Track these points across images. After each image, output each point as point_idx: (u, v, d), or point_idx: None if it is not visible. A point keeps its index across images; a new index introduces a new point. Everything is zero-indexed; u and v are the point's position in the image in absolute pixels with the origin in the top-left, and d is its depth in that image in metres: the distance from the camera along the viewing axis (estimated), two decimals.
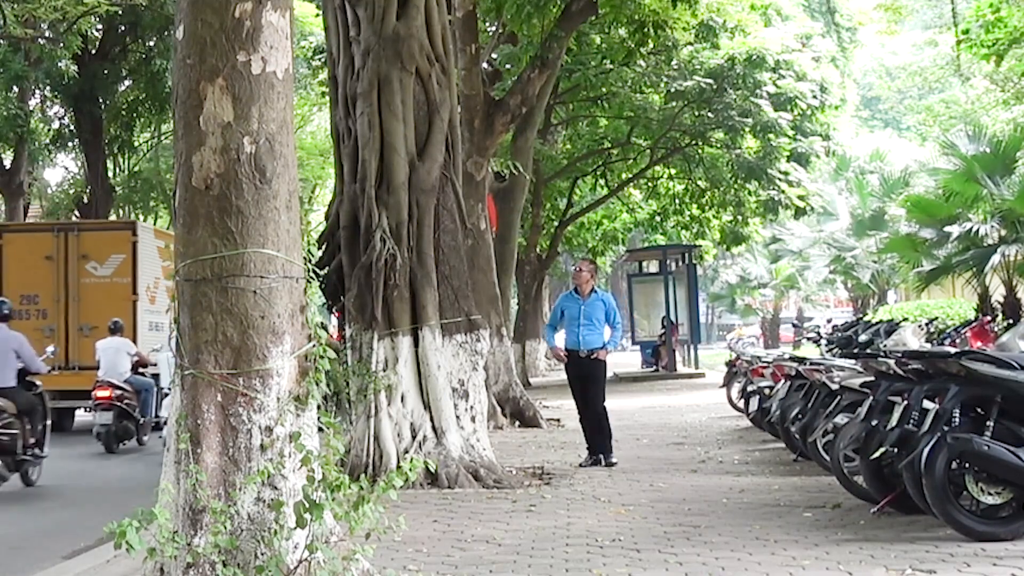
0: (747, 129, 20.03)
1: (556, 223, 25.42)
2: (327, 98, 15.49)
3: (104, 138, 25.96)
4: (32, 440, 10.31)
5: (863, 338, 15.15)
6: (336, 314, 11.53)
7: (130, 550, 4.27)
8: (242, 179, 4.94)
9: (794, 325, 38.40)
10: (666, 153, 22.73)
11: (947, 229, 17.08)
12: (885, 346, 12.13)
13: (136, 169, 30.96)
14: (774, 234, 36.19)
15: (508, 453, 10.97)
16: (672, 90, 19.76)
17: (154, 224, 28.24)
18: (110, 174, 27.61)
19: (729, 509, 7.37)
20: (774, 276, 42.03)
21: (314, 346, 5.05)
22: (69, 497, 10.17)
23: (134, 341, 15.06)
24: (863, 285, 33.20)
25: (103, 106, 25.56)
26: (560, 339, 10.53)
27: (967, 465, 5.89)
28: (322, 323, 5.26)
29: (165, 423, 7.76)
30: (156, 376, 14.37)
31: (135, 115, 26.90)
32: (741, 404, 13.24)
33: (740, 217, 23.96)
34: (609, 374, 12.06)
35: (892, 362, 6.73)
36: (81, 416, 16.58)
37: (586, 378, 10.20)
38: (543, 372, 27.91)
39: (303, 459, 4.74)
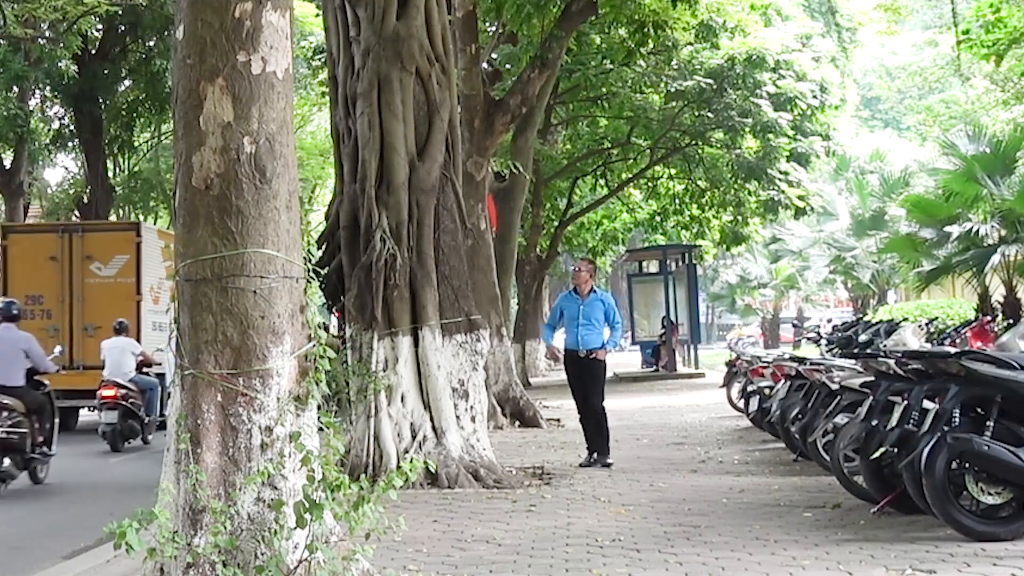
0: (747, 129, 20.03)
1: (556, 223, 25.42)
2: (327, 98, 15.50)
3: (104, 138, 25.97)
4: (40, 439, 10.46)
5: (863, 338, 15.14)
6: (336, 314, 11.53)
7: (130, 551, 4.27)
8: (242, 179, 4.94)
9: (794, 325, 38.46)
10: (666, 153, 22.73)
11: (947, 229, 17.08)
12: (885, 346, 12.11)
13: (136, 169, 30.96)
14: (774, 234, 36.18)
15: (508, 453, 10.97)
16: (672, 90, 19.76)
17: (154, 224, 28.26)
18: (110, 174, 27.61)
19: (729, 509, 7.37)
20: (774, 276, 42.02)
21: (314, 346, 5.05)
22: (74, 495, 10.21)
23: (138, 341, 15.16)
24: (863, 285, 33.20)
25: (103, 106, 25.57)
26: (560, 339, 10.53)
27: (967, 465, 5.89)
28: (323, 323, 5.26)
29: None
30: (161, 376, 14.45)
31: (135, 115, 26.91)
32: (741, 404, 13.24)
33: (740, 217, 23.96)
34: (609, 374, 12.06)
35: (892, 362, 6.74)
36: (85, 415, 16.68)
37: (585, 378, 10.19)
38: (543, 372, 27.91)
39: (303, 459, 4.74)
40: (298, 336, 5.03)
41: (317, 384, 5.01)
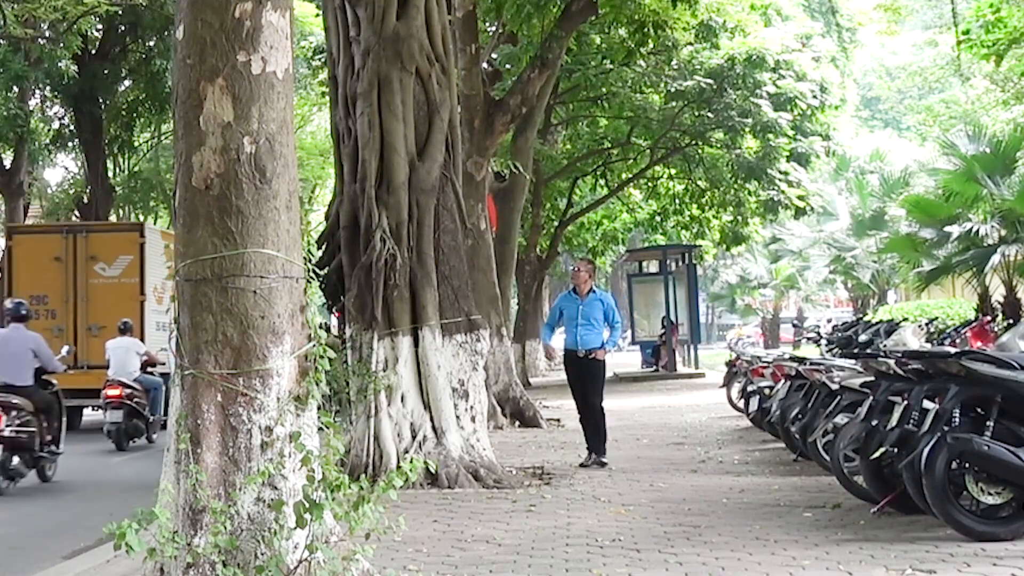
0: (747, 129, 20.03)
1: (556, 223, 25.42)
2: (327, 98, 15.50)
3: (104, 138, 25.97)
4: (49, 437, 10.61)
5: (863, 338, 15.14)
6: (336, 314, 11.53)
7: (130, 551, 4.28)
8: (242, 179, 4.94)
9: (794, 325, 38.44)
10: (666, 153, 22.72)
11: (947, 229, 17.08)
12: (885, 346, 12.12)
13: (136, 169, 30.96)
14: (774, 234, 36.17)
15: (508, 453, 10.97)
16: (672, 90, 19.76)
17: (154, 224, 28.27)
18: (110, 174, 27.61)
19: (729, 509, 7.37)
20: (774, 276, 42.01)
21: (314, 346, 5.05)
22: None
23: (142, 341, 15.28)
24: (863, 285, 33.19)
25: (103, 106, 25.56)
26: (559, 339, 10.53)
27: (967, 465, 5.89)
28: (325, 323, 5.27)
29: None
30: (165, 375, 14.54)
31: (135, 115, 26.91)
32: (741, 404, 13.24)
33: (740, 217, 23.95)
34: (609, 374, 12.06)
35: (892, 362, 6.74)
36: (89, 414, 16.77)
37: (585, 378, 10.19)
38: (543, 372, 27.90)
39: (303, 459, 4.74)
40: (298, 336, 5.03)
41: (317, 384, 5.01)
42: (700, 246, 26.90)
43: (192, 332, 4.93)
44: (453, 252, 9.67)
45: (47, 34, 22.46)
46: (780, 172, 20.88)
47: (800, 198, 21.58)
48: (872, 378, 7.13)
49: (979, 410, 6.12)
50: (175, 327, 5.13)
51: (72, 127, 26.58)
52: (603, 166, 24.70)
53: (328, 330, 11.39)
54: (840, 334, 17.65)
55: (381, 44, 9.40)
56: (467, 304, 9.70)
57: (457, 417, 9.26)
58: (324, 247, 9.97)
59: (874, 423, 6.52)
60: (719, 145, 21.59)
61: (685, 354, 26.91)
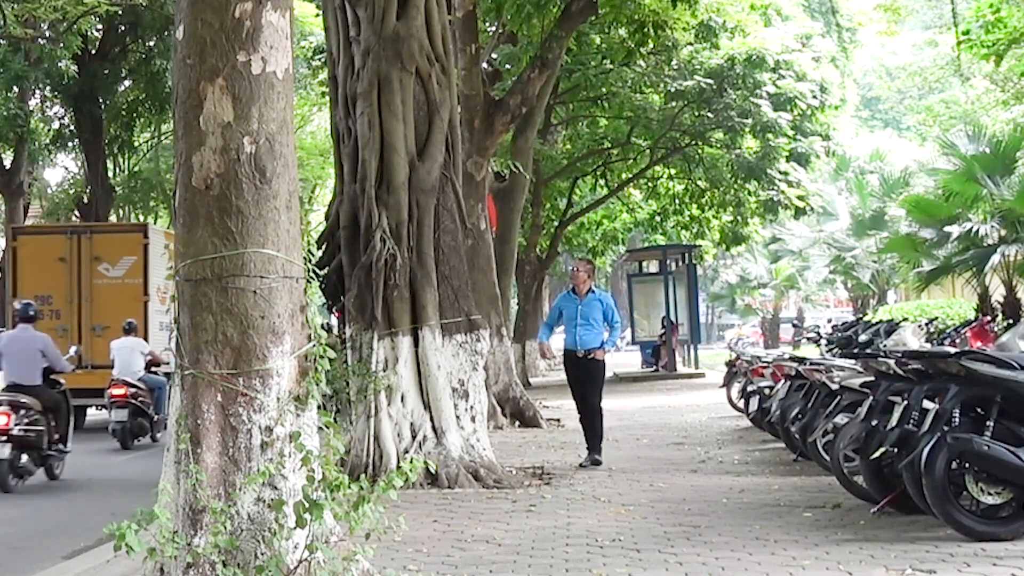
0: (747, 129, 20.02)
1: (556, 223, 25.41)
2: (327, 98, 15.50)
3: (104, 138, 25.98)
4: (56, 436, 10.78)
5: (863, 338, 15.15)
6: (336, 314, 11.54)
7: (130, 552, 4.28)
8: (242, 179, 4.94)
9: (794, 325, 38.44)
10: (666, 153, 22.72)
11: (947, 229, 17.08)
12: (885, 346, 12.12)
13: (136, 169, 30.98)
14: (774, 234, 36.17)
15: (508, 453, 10.97)
16: (672, 90, 19.74)
17: (154, 224, 28.28)
18: (110, 174, 27.62)
19: (729, 509, 7.37)
20: (774, 276, 42.02)
21: (314, 346, 5.05)
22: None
23: (146, 341, 15.38)
24: (863, 285, 33.20)
25: (103, 106, 25.57)
26: (559, 339, 10.53)
27: (967, 465, 5.89)
28: (327, 324, 5.27)
29: None
30: (169, 375, 14.56)
31: (135, 115, 26.93)
32: (741, 404, 13.24)
33: (740, 217, 23.95)
34: (609, 374, 12.05)
35: (892, 362, 6.74)
36: (93, 414, 16.84)
37: (584, 378, 10.19)
38: (543, 372, 27.90)
39: (303, 459, 4.74)
40: (298, 336, 5.03)
41: (317, 384, 5.01)
42: (700, 246, 26.89)
43: (192, 332, 4.94)
44: (453, 252, 9.67)
45: (47, 34, 22.47)
46: (780, 172, 20.87)
47: (800, 198, 21.57)
48: (872, 378, 7.13)
49: (979, 410, 6.12)
50: (175, 327, 5.13)
51: (72, 127, 26.59)
52: (603, 166, 24.69)
53: (330, 330, 11.43)
54: (840, 334, 17.66)
55: (381, 44, 9.40)
56: (467, 304, 9.70)
57: (457, 417, 9.26)
58: (324, 247, 9.97)
59: (874, 423, 6.52)
60: (719, 145, 21.59)
61: (685, 354, 26.91)
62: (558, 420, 14.50)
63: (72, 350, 12.65)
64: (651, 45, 17.16)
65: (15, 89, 23.32)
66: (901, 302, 31.17)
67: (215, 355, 4.87)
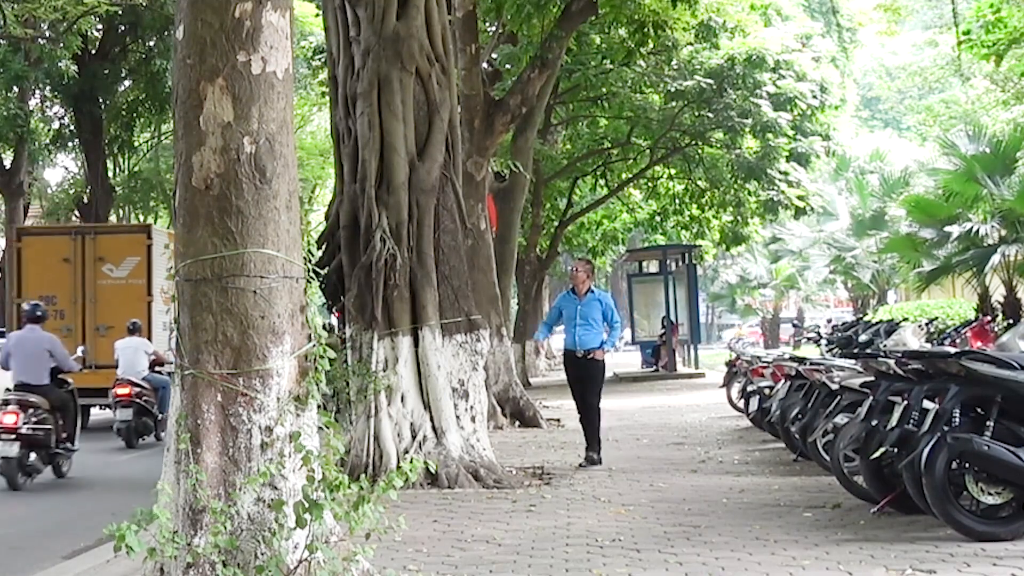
0: (747, 129, 20.02)
1: (556, 223, 25.41)
2: (327, 98, 15.50)
3: (104, 138, 25.99)
4: (64, 435, 10.94)
5: (863, 338, 15.15)
6: (336, 314, 11.54)
7: (130, 552, 4.28)
8: (242, 179, 4.94)
9: (794, 325, 38.42)
10: (666, 153, 22.72)
11: (947, 229, 17.08)
12: (885, 346, 12.12)
13: (136, 169, 30.99)
14: (774, 234, 36.17)
15: (508, 453, 10.97)
16: (672, 90, 19.74)
17: (154, 224, 28.29)
18: (110, 174, 27.62)
19: (729, 509, 7.37)
20: (774, 276, 42.02)
21: (314, 346, 5.05)
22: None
23: (149, 340, 15.47)
24: (863, 285, 33.19)
25: (103, 106, 25.58)
26: (559, 339, 10.53)
27: (967, 465, 5.89)
28: (328, 324, 5.28)
29: None
30: (172, 374, 14.60)
31: (135, 115, 26.93)
32: (741, 404, 13.24)
33: (740, 217, 23.94)
34: (609, 374, 12.05)
35: (892, 362, 6.74)
36: (96, 413, 16.90)
37: (584, 378, 10.20)
38: (543, 372, 27.90)
39: (303, 459, 4.74)
40: (298, 336, 5.03)
41: (317, 384, 5.01)
42: (700, 246, 26.89)
43: (192, 332, 4.94)
44: (453, 252, 9.67)
45: (47, 34, 22.48)
46: (780, 172, 20.87)
47: (800, 198, 21.57)
48: (872, 378, 7.13)
49: (979, 410, 6.12)
50: (175, 327, 5.13)
51: (72, 127, 26.60)
52: (603, 166, 24.69)
53: (332, 330, 11.43)
54: (840, 334, 17.65)
55: (381, 44, 9.40)
56: (467, 304, 9.70)
57: (457, 417, 9.26)
58: (324, 247, 9.97)
59: (874, 423, 6.52)
60: (719, 145, 21.59)
61: (685, 354, 26.92)
62: (558, 420, 14.50)
63: (79, 350, 12.83)
64: (651, 45, 17.15)
65: (15, 89, 23.33)
66: (901, 302, 31.17)
67: (215, 355, 4.87)
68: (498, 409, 14.05)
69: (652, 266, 29.61)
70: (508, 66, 18.72)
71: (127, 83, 26.82)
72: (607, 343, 10.20)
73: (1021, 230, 16.16)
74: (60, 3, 19.41)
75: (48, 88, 25.42)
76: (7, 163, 25.16)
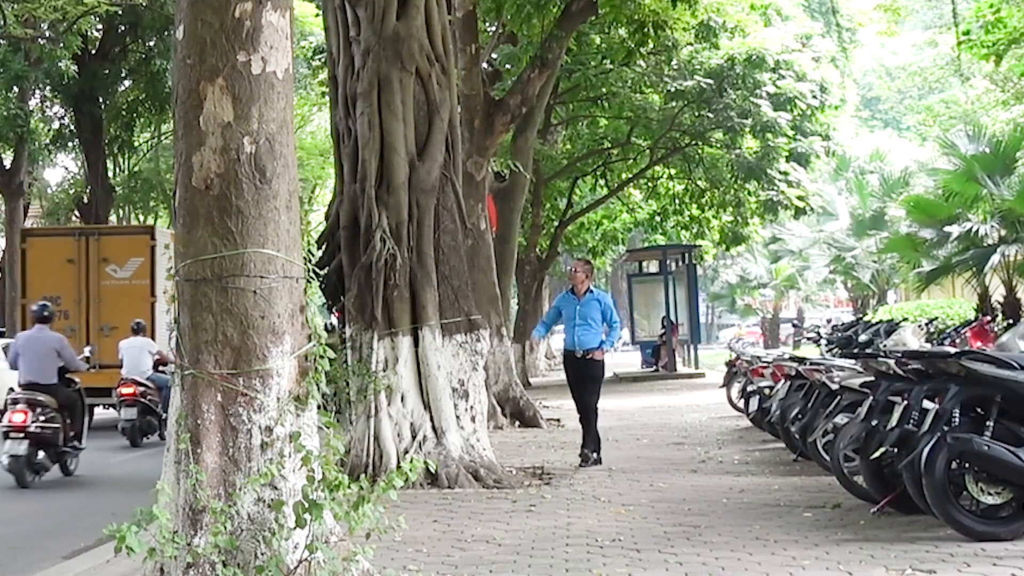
0: (747, 129, 20.02)
1: (556, 223, 25.41)
2: (327, 98, 15.50)
3: (104, 138, 25.99)
4: (71, 433, 11.08)
5: (863, 338, 15.14)
6: (336, 314, 11.54)
7: (130, 553, 4.28)
8: (242, 179, 4.94)
9: (794, 325, 38.42)
10: (666, 153, 22.72)
11: (947, 229, 17.08)
12: (885, 346, 12.12)
13: (136, 169, 30.99)
14: (774, 234, 36.17)
15: (508, 453, 10.97)
16: (672, 90, 19.74)
17: (156, 224, 28.31)
18: (110, 174, 27.62)
19: (729, 509, 7.37)
20: (774, 276, 42.02)
21: (314, 346, 5.05)
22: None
23: (153, 340, 15.54)
24: (863, 285, 33.19)
25: (103, 106, 25.59)
26: (560, 339, 10.53)
27: (967, 465, 5.89)
28: (329, 324, 5.27)
29: None
30: (173, 374, 14.67)
31: (135, 115, 26.94)
32: (741, 404, 13.24)
33: (740, 217, 23.95)
34: (609, 374, 12.05)
35: (892, 362, 6.74)
36: (100, 412, 16.96)
37: (583, 378, 10.20)
38: (543, 372, 27.90)
39: (303, 459, 4.74)
40: (298, 336, 5.03)
41: (317, 384, 5.01)
42: (700, 246, 26.89)
43: (192, 332, 4.94)
44: (453, 252, 9.67)
45: (47, 34, 22.48)
46: (780, 172, 20.87)
47: (800, 198, 21.57)
48: (872, 378, 7.13)
49: (979, 410, 6.12)
50: (175, 327, 5.14)
51: (72, 127, 26.60)
52: (603, 166, 24.69)
53: (333, 330, 11.43)
54: (840, 334, 17.64)
55: (381, 44, 9.40)
56: (467, 304, 9.70)
57: (457, 417, 9.26)
58: (324, 247, 9.97)
59: (874, 423, 6.52)
60: (719, 145, 21.58)
61: (685, 354, 26.92)
62: (558, 420, 14.50)
63: (87, 350, 13.02)
64: (651, 45, 17.16)
65: (15, 89, 23.34)
66: (901, 302, 31.17)
67: (215, 355, 4.87)
68: (498, 409, 14.05)
69: (652, 266, 29.62)
70: (508, 66, 18.73)
71: (127, 83, 26.83)
72: (606, 343, 10.20)
73: (1021, 230, 16.17)
74: (60, 3, 19.42)
75: (48, 88, 25.43)
76: (7, 163, 25.16)
